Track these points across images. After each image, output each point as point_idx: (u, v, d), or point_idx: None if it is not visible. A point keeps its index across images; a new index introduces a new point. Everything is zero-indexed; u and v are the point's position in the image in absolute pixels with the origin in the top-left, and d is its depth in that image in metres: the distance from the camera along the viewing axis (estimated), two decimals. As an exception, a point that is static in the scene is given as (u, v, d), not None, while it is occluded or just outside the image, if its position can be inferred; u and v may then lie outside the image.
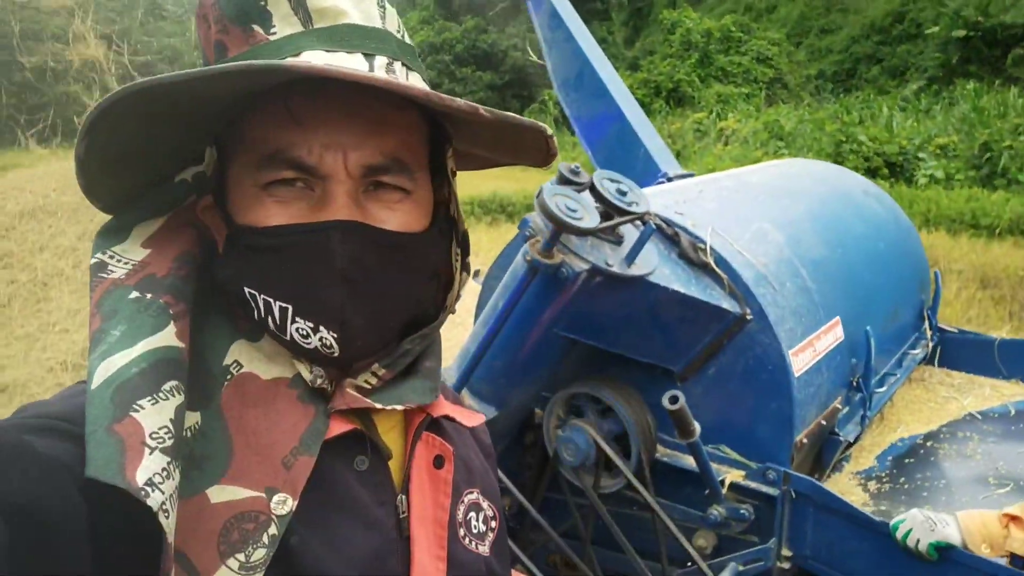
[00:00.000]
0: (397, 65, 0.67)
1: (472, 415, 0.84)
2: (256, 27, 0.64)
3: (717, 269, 1.95)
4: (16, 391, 4.98)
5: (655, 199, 2.13)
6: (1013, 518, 1.62)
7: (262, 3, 0.64)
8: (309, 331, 0.65)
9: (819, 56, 24.35)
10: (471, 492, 0.81)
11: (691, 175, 3.19)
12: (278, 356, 0.68)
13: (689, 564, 1.96)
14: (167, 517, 0.53)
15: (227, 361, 0.66)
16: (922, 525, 1.66)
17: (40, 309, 6.40)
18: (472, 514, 0.80)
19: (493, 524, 0.82)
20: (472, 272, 0.81)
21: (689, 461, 1.95)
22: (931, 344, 2.94)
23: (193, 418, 0.62)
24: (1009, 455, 2.15)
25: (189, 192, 0.68)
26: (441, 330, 0.78)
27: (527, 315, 1.83)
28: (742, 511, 1.93)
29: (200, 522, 0.59)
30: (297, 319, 0.64)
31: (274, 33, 0.64)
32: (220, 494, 0.60)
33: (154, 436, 0.55)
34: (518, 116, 0.64)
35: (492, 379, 1.95)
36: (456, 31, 27.45)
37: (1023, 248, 8.44)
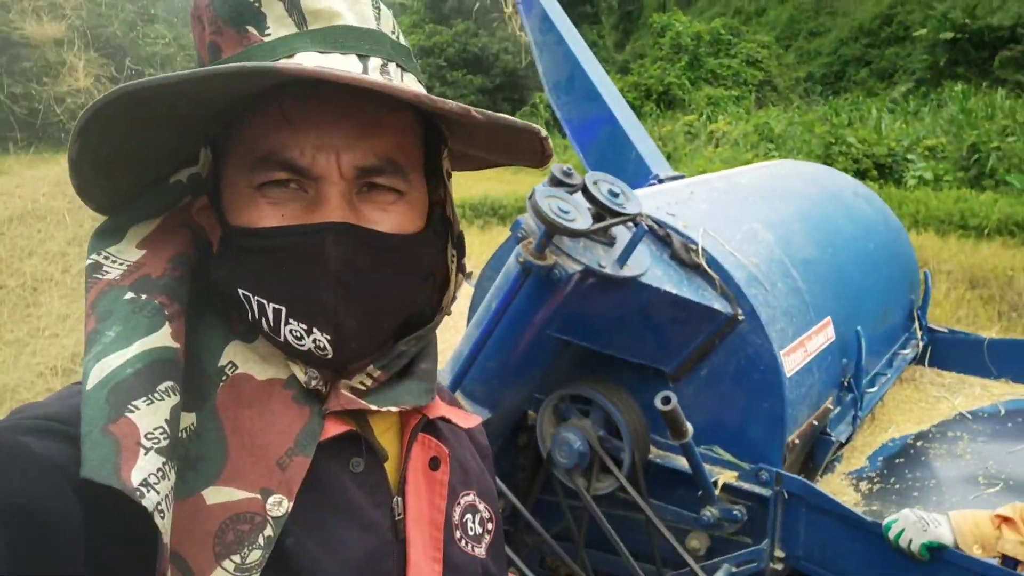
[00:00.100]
0: (391, 66, 0.66)
1: (468, 416, 0.84)
2: (250, 28, 0.64)
3: (709, 270, 1.95)
4: (6, 396, 4.95)
5: (647, 201, 2.14)
6: (1005, 519, 1.62)
7: (256, 4, 0.64)
8: (303, 333, 0.65)
9: (808, 59, 24.49)
10: (467, 494, 0.81)
11: (682, 177, 3.20)
12: (273, 357, 0.68)
13: (684, 568, 1.96)
14: (163, 518, 0.53)
15: (222, 362, 0.66)
16: (914, 525, 1.67)
17: (30, 314, 6.35)
18: (468, 516, 0.80)
19: (490, 526, 0.82)
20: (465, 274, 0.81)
21: (682, 462, 1.96)
22: (921, 344, 2.96)
23: (188, 419, 0.62)
24: (999, 454, 2.16)
25: (184, 193, 0.68)
26: (436, 332, 0.78)
27: (520, 316, 1.84)
28: (735, 512, 1.93)
29: (195, 523, 0.59)
30: (291, 321, 0.64)
31: (268, 34, 0.64)
32: (215, 495, 0.60)
33: (149, 436, 0.55)
34: (511, 117, 0.64)
35: (485, 381, 1.95)
36: (447, 35, 27.47)
37: (1011, 248, 8.52)
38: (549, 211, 1.65)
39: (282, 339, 0.65)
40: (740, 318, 1.92)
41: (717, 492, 1.94)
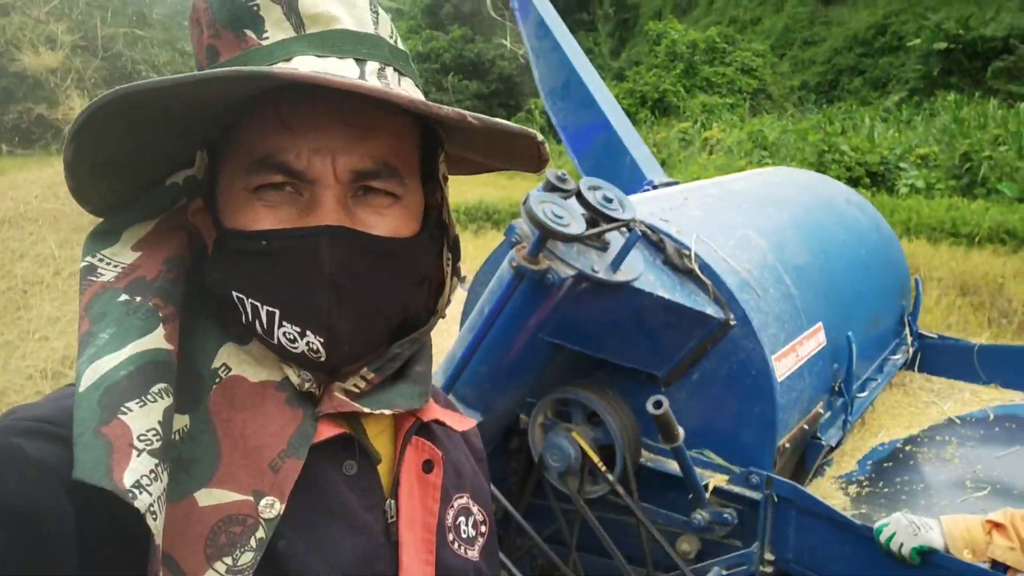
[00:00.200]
0: (389, 71, 0.66)
1: (463, 419, 0.83)
2: (248, 32, 0.64)
3: (701, 275, 1.96)
4: (-5, 399, 4.92)
5: (641, 206, 2.15)
6: (996, 525, 1.62)
7: (254, 8, 0.64)
8: (296, 336, 0.64)
9: (802, 67, 24.63)
10: (461, 497, 0.81)
11: (676, 183, 3.22)
12: (266, 359, 0.67)
13: (675, 571, 1.97)
14: (155, 519, 0.53)
15: (215, 364, 0.66)
16: (906, 529, 1.67)
17: (20, 317, 6.32)
18: (462, 519, 0.80)
19: (483, 529, 0.82)
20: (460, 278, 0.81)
21: (673, 466, 1.97)
22: (911, 350, 2.98)
23: (181, 421, 0.62)
24: (987, 459, 2.18)
25: (180, 196, 0.68)
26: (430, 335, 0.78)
27: (513, 321, 1.84)
28: (725, 515, 1.94)
29: (188, 525, 0.59)
30: (284, 323, 0.64)
31: (266, 38, 0.64)
32: (208, 497, 0.60)
33: (142, 438, 0.55)
34: (507, 122, 0.64)
35: (477, 384, 1.96)
36: (443, 40, 27.52)
37: (1002, 256, 8.57)
38: (543, 216, 1.66)
39: (275, 341, 0.65)
40: (732, 323, 1.93)
41: (708, 495, 1.94)
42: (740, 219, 2.36)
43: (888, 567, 1.72)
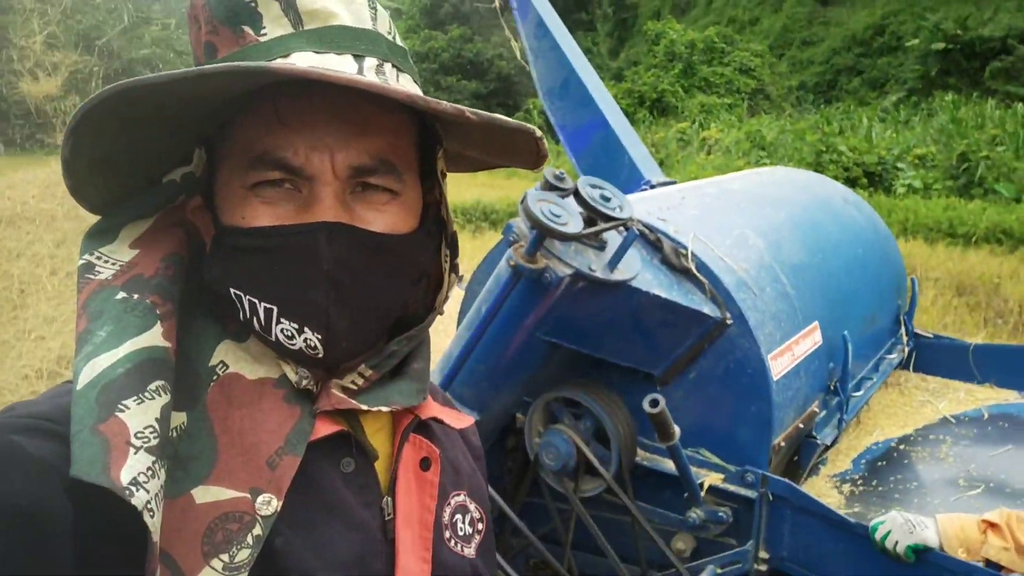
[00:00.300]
0: (387, 66, 0.66)
1: (461, 417, 0.84)
2: (246, 28, 0.64)
3: (698, 274, 1.97)
4: (-9, 398, 4.91)
5: (638, 205, 2.15)
6: (992, 525, 1.63)
7: (252, 4, 0.64)
8: (294, 332, 0.64)
9: (801, 68, 24.66)
10: (458, 494, 0.81)
11: (674, 183, 3.23)
12: (264, 357, 0.67)
13: (670, 570, 1.98)
14: (152, 516, 0.53)
15: (213, 361, 0.66)
16: (901, 527, 1.68)
17: (16, 316, 6.31)
18: (458, 516, 0.80)
19: (480, 527, 0.82)
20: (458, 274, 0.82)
21: (669, 465, 1.97)
22: (907, 349, 2.99)
23: (179, 418, 0.62)
24: (981, 458, 2.18)
25: (178, 193, 0.68)
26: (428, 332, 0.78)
27: (510, 319, 1.85)
28: (720, 514, 1.95)
29: (185, 522, 0.59)
30: (282, 320, 0.64)
31: (264, 34, 0.64)
32: (205, 494, 0.60)
33: (139, 436, 0.55)
34: (505, 118, 0.64)
35: (474, 383, 1.96)
36: (441, 40, 27.52)
37: (998, 256, 8.59)
38: (541, 215, 1.66)
39: (273, 338, 0.65)
40: (729, 322, 1.94)
41: (703, 494, 1.95)
42: (737, 218, 2.37)
43: (883, 565, 1.72)
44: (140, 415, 0.56)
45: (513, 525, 2.04)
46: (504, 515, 2.06)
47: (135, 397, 0.56)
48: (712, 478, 1.97)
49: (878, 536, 1.70)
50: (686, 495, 1.96)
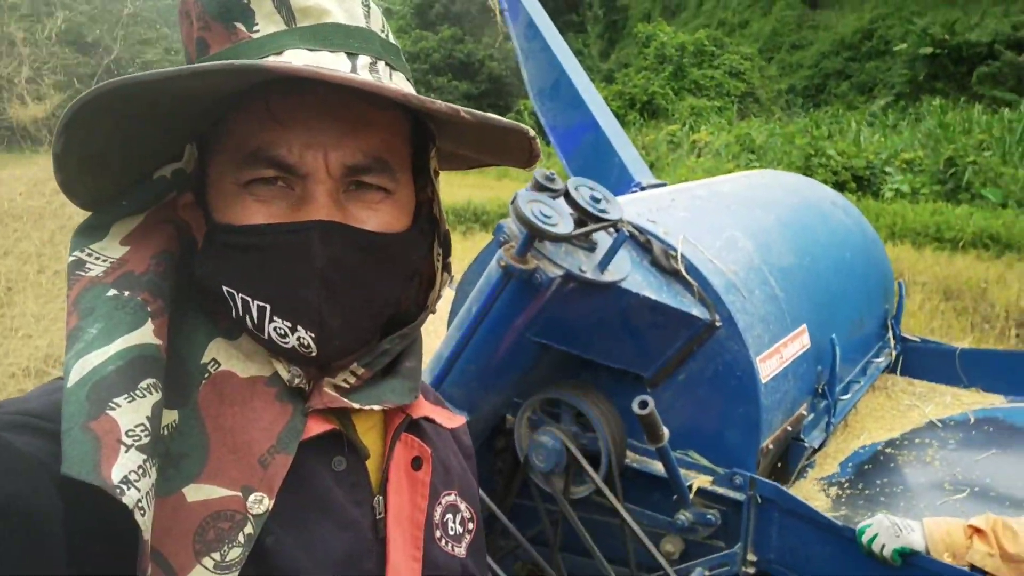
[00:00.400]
0: (380, 64, 0.66)
1: (452, 416, 0.84)
2: (239, 25, 0.64)
3: (688, 276, 1.98)
4: (-23, 397, 4.87)
5: (628, 207, 2.16)
6: (977, 531, 1.63)
7: (245, 1, 0.64)
8: (287, 331, 0.64)
9: (790, 71, 24.81)
10: (449, 494, 0.81)
11: (664, 185, 3.24)
12: (256, 354, 0.67)
13: (658, 572, 1.98)
14: (143, 515, 0.53)
15: (204, 359, 0.65)
16: (888, 531, 1.69)
17: (3, 314, 6.26)
18: (449, 516, 0.80)
19: (470, 526, 0.83)
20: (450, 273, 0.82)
21: (658, 467, 1.98)
22: (894, 353, 3.01)
23: (170, 416, 0.62)
24: (967, 461, 2.20)
25: (168, 189, 0.67)
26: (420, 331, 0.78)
27: (500, 320, 1.85)
28: (709, 516, 1.95)
29: (176, 521, 0.59)
30: (275, 318, 0.64)
31: (257, 31, 0.64)
32: (196, 493, 0.60)
33: (130, 434, 0.55)
34: (499, 117, 0.64)
35: (464, 384, 1.96)
36: (432, 40, 27.50)
37: (985, 261, 8.67)
38: (531, 215, 1.66)
39: (266, 336, 0.65)
40: (718, 324, 1.95)
41: (692, 496, 1.96)
42: (727, 221, 2.38)
43: (869, 568, 1.73)
44: (131, 413, 0.56)
45: (502, 526, 2.04)
46: (493, 516, 2.06)
47: (126, 395, 0.56)
48: (701, 480, 1.97)
49: (865, 539, 1.71)
50: (675, 497, 1.97)
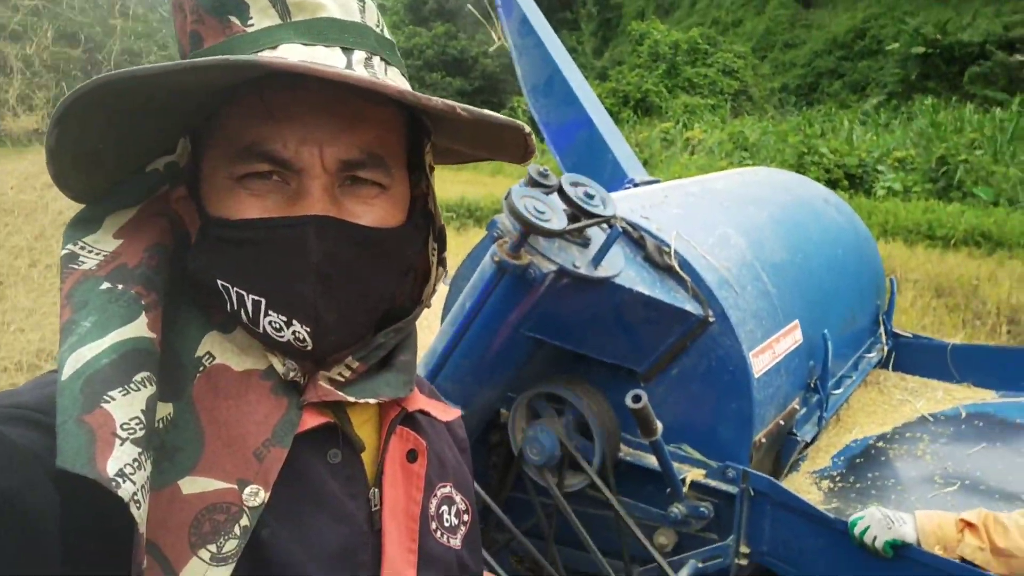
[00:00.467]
0: (376, 60, 0.66)
1: (447, 409, 0.84)
2: (233, 18, 0.63)
3: (681, 272, 1.99)
4: (-31, 392, 4.84)
5: (622, 203, 2.17)
6: (969, 524, 1.65)
7: None
8: (282, 324, 0.64)
9: (783, 70, 24.86)
10: (444, 486, 0.81)
11: (657, 182, 3.24)
12: (251, 348, 0.67)
13: (651, 564, 1.99)
14: (139, 508, 0.53)
15: (199, 352, 0.65)
16: (880, 523, 1.70)
17: (-6, 309, 6.23)
18: (444, 508, 0.80)
19: (465, 518, 0.83)
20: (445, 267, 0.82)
21: (651, 460, 1.99)
22: (886, 348, 3.03)
23: (165, 409, 0.62)
24: (957, 455, 2.22)
25: (161, 182, 0.67)
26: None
27: (494, 315, 1.85)
28: (702, 509, 1.96)
29: (171, 513, 0.59)
30: (270, 312, 0.64)
31: (251, 25, 0.63)
32: (191, 485, 0.60)
33: (125, 427, 0.55)
34: (496, 114, 0.64)
35: (458, 379, 1.96)
36: (426, 36, 27.44)
37: (977, 259, 8.72)
38: (525, 211, 1.67)
39: (261, 330, 0.65)
40: (711, 320, 1.96)
41: (685, 489, 1.97)
42: (720, 217, 2.39)
43: (861, 560, 1.74)
44: (126, 406, 0.56)
45: (497, 519, 2.05)
46: (488, 510, 2.06)
47: (120, 388, 0.56)
48: (694, 474, 1.98)
49: (857, 531, 1.72)
50: (668, 490, 1.98)
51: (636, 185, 3.17)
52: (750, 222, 2.46)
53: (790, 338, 2.21)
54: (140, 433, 0.56)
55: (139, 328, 0.60)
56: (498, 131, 0.68)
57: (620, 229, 1.90)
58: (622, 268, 1.86)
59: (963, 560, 1.63)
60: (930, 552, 1.65)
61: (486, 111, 0.63)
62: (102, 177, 0.64)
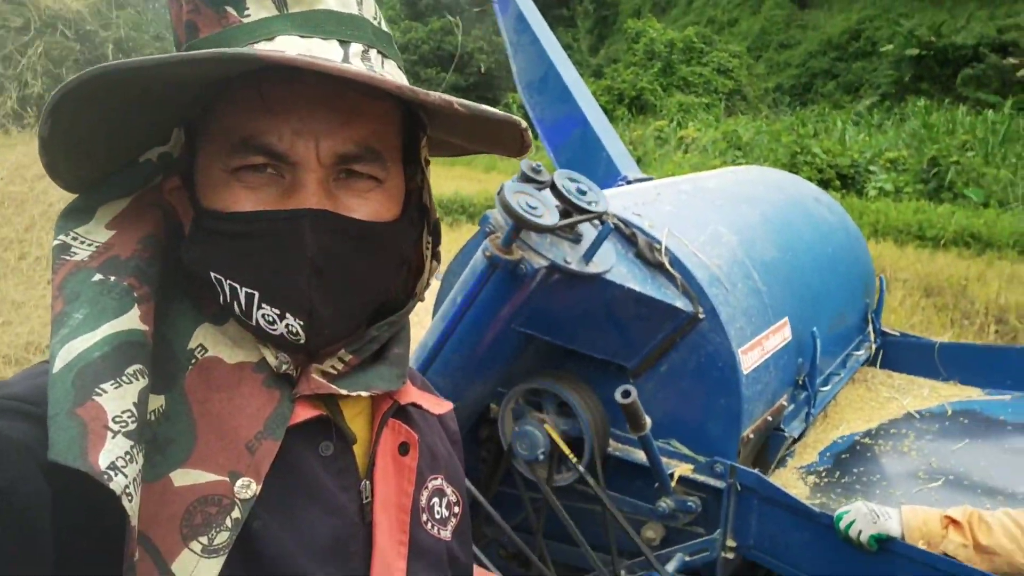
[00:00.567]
0: (373, 53, 0.66)
1: (439, 402, 0.84)
2: (229, 8, 0.63)
3: (672, 269, 2.00)
4: (-42, 385, 4.80)
5: (614, 200, 2.17)
6: (953, 521, 1.66)
7: None
8: (275, 318, 0.64)
9: (777, 70, 24.92)
10: (435, 478, 0.82)
11: (650, 179, 3.26)
12: (243, 340, 0.67)
13: (639, 558, 2.01)
14: (131, 501, 0.53)
15: (192, 345, 0.65)
16: (865, 517, 1.72)
17: (-17, 301, 6.19)
18: (435, 500, 0.81)
19: (456, 510, 0.83)
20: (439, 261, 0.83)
21: (640, 455, 2.00)
22: (874, 346, 3.05)
23: (157, 401, 0.62)
24: (942, 451, 2.24)
25: (155, 173, 0.67)
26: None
27: (485, 310, 1.86)
28: (689, 503, 1.98)
29: (163, 505, 0.59)
30: (263, 305, 0.64)
31: (248, 16, 0.63)
32: (183, 478, 0.60)
33: (117, 420, 0.55)
34: (493, 109, 0.64)
35: (449, 373, 1.97)
36: (422, 31, 27.38)
37: (966, 259, 8.78)
38: (517, 206, 1.67)
39: (254, 323, 0.65)
40: (701, 317, 1.97)
41: (673, 484, 1.98)
42: (711, 215, 2.40)
43: (847, 554, 1.76)
44: (118, 399, 0.56)
45: (486, 514, 2.06)
46: (477, 504, 2.07)
47: (112, 381, 0.56)
48: (682, 468, 2.00)
49: (842, 525, 1.74)
50: (656, 485, 1.99)
51: (629, 182, 3.18)
52: (742, 220, 2.48)
53: (779, 335, 2.22)
54: (132, 426, 0.56)
55: (132, 320, 0.60)
56: (495, 126, 0.68)
57: (612, 225, 1.91)
58: (613, 264, 1.87)
59: (946, 556, 1.65)
60: (914, 546, 1.67)
61: (483, 106, 0.63)
62: (95, 167, 0.64)
